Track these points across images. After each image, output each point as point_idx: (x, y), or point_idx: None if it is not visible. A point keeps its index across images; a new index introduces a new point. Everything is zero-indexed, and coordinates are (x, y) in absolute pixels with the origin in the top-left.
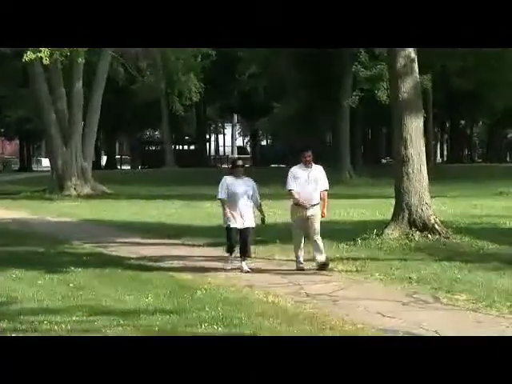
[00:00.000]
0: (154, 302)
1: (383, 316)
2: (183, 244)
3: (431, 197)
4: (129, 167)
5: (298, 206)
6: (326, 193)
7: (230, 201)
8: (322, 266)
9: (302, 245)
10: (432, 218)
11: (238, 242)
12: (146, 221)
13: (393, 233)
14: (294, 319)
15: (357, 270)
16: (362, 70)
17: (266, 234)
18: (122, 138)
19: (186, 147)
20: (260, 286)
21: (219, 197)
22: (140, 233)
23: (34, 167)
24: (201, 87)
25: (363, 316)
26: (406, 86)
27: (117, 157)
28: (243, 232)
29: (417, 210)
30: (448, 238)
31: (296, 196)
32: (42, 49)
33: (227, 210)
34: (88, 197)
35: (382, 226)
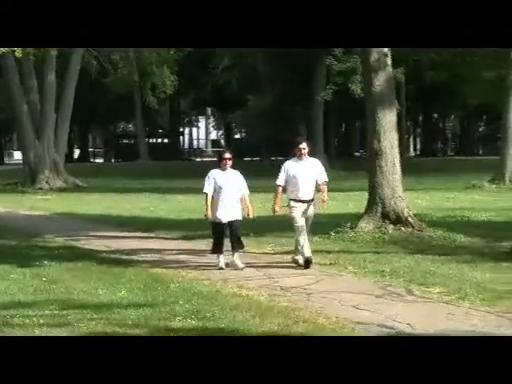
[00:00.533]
0: (128, 296)
1: (357, 309)
2: (157, 237)
3: (404, 190)
4: (102, 160)
5: (295, 201)
6: (325, 185)
7: (218, 194)
8: (307, 261)
9: (306, 237)
10: (405, 210)
11: (225, 236)
12: (119, 214)
13: (366, 226)
14: (267, 312)
15: (330, 264)
16: (336, 63)
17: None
18: (95, 131)
19: (159, 140)
20: (234, 279)
21: (205, 190)
22: (113, 226)
23: (6, 160)
24: (174, 80)
25: (337, 309)
26: (380, 80)
27: (90, 150)
28: (232, 225)
29: (390, 203)
30: (421, 230)
31: (278, 195)
32: None
33: (208, 206)
34: (61, 190)
35: (355, 219)
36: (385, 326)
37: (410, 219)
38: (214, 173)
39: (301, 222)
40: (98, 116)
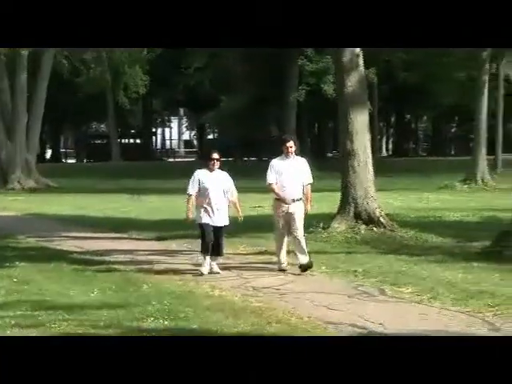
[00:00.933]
0: (100, 297)
1: (329, 309)
2: (129, 238)
3: (376, 190)
4: (74, 161)
5: (280, 201)
6: (310, 187)
7: (203, 196)
8: (305, 268)
9: (285, 244)
10: (377, 211)
11: (210, 240)
12: (91, 215)
13: (339, 226)
14: (240, 313)
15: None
16: (308, 63)
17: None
18: (67, 131)
19: (131, 141)
20: (207, 279)
21: (189, 192)
22: (85, 227)
23: None
24: (146, 80)
25: (310, 309)
26: (352, 80)
27: (61, 150)
28: (216, 230)
29: (362, 204)
30: (393, 231)
31: (276, 190)
32: None
33: (190, 208)
34: (32, 190)
35: (328, 219)
36: (356, 326)
37: (382, 219)
38: (201, 173)
39: (282, 224)
40: (70, 116)
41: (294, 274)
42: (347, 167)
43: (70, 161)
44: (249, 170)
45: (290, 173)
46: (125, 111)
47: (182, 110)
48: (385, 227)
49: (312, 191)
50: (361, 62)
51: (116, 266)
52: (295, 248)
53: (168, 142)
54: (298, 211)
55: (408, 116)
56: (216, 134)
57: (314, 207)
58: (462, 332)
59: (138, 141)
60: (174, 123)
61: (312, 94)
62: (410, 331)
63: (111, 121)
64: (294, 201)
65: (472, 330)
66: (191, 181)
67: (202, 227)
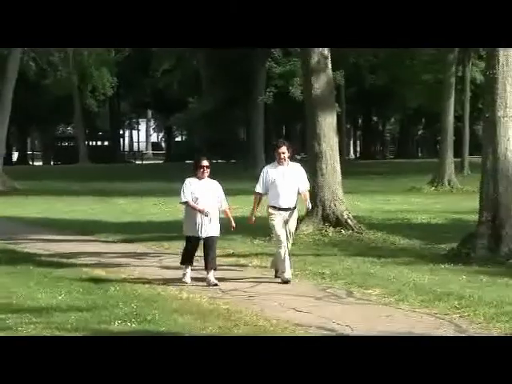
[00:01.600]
0: (67, 299)
1: (297, 311)
2: (97, 240)
3: (344, 192)
4: (41, 163)
5: (274, 208)
6: (307, 192)
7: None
8: (285, 281)
9: (284, 253)
10: (345, 213)
11: (195, 252)
12: (58, 217)
13: (307, 228)
14: (208, 315)
15: (271, 266)
16: (276, 66)
17: (181, 229)
18: (34, 133)
19: (99, 143)
20: (174, 282)
21: (183, 200)
22: (53, 229)
23: None
24: (114, 82)
25: (277, 311)
26: (320, 83)
27: (28, 152)
28: (207, 241)
29: (330, 206)
30: (361, 233)
31: (255, 204)
32: None
33: (198, 209)
34: (2, 192)
35: (296, 221)
36: (324, 328)
37: (349, 222)
38: (191, 181)
39: (281, 232)
40: (37, 118)
41: (263, 276)
42: (315, 169)
43: (36, 163)
44: (216, 172)
45: (284, 180)
46: (92, 113)
47: (149, 113)
48: (352, 229)
49: None
50: (328, 64)
51: (83, 269)
52: (276, 256)
53: (136, 144)
54: (291, 221)
55: (375, 118)
56: (184, 136)
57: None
58: (429, 334)
59: (105, 143)
60: (142, 125)
61: (280, 96)
62: (381, 335)
63: (78, 123)
64: (286, 209)
65: (439, 331)
66: (183, 188)
67: (189, 240)
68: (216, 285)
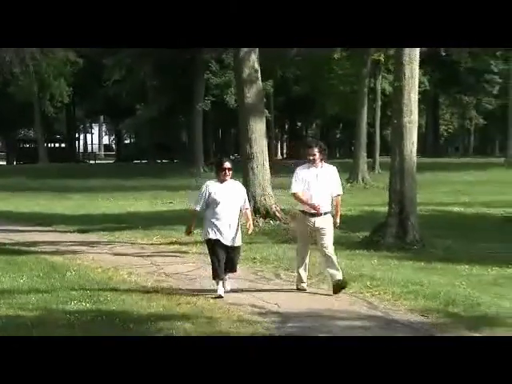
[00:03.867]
0: (28, 283)
1: (232, 292)
2: (55, 231)
3: (273, 188)
4: (4, 163)
5: (305, 213)
6: (339, 198)
7: (214, 210)
8: (339, 286)
9: (307, 262)
10: (273, 206)
11: (222, 263)
12: (19, 211)
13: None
14: (153, 296)
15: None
16: (213, 77)
17: (130, 221)
18: None
19: (57, 145)
20: (124, 267)
21: (196, 208)
22: (14, 221)
23: None
24: (69, 91)
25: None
26: (251, 92)
27: None
28: (231, 250)
29: (260, 200)
30: (287, 223)
31: (301, 198)
32: None
33: (193, 223)
34: None
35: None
36: (256, 306)
37: (277, 214)
38: (211, 185)
39: (304, 242)
40: (1, 123)
41: (202, 261)
42: (247, 168)
43: (0, 163)
44: (161, 171)
45: (317, 183)
46: (50, 118)
47: (101, 118)
48: (280, 220)
49: None
50: (259, 76)
51: (42, 256)
52: (327, 266)
53: (90, 146)
54: (326, 226)
55: (299, 124)
56: (132, 139)
57: None
58: (345, 310)
59: (62, 145)
60: (95, 129)
61: (216, 104)
62: (304, 311)
63: (38, 127)
64: (320, 214)
65: (354, 308)
66: (200, 194)
67: (212, 245)
68: (228, 291)
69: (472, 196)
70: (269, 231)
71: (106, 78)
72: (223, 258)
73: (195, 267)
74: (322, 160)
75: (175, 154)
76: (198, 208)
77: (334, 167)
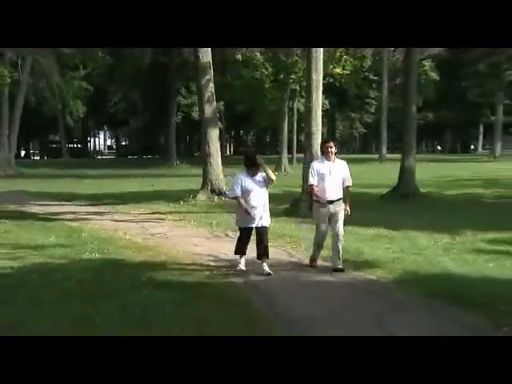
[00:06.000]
0: (55, 240)
1: (196, 246)
2: (73, 204)
3: (223, 175)
4: (38, 158)
5: (319, 203)
6: (348, 190)
7: (246, 199)
8: (337, 270)
9: (321, 245)
10: (223, 187)
11: (247, 243)
12: (49, 190)
13: (202, 197)
14: (142, 249)
15: (180, 219)
16: (183, 99)
17: (124, 198)
18: (34, 139)
19: (74, 145)
20: (121, 229)
21: (236, 194)
22: (45, 198)
23: None
24: (84, 109)
25: (184, 246)
26: (209, 110)
27: (30, 151)
28: (259, 230)
29: (215, 183)
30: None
31: (316, 192)
32: None
33: (244, 208)
34: (12, 177)
35: (195, 193)
36: (212, 255)
37: (226, 192)
38: (243, 177)
39: (324, 226)
40: (36, 130)
41: (176, 225)
42: (206, 162)
43: (35, 158)
44: (146, 164)
45: (330, 174)
46: (70, 127)
47: (105, 127)
48: (228, 198)
49: (185, 176)
50: (214, 98)
51: (65, 222)
52: (333, 246)
53: (97, 146)
54: (339, 211)
55: (242, 131)
56: (127, 142)
57: (186, 186)
58: (273, 257)
59: (78, 145)
60: (101, 134)
61: (185, 118)
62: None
63: (61, 133)
64: (332, 202)
65: (279, 256)
66: (235, 183)
67: (242, 231)
68: (269, 274)
69: (354, 180)
70: (221, 205)
71: (109, 99)
72: (248, 241)
73: (170, 229)
74: (335, 154)
75: (156, 153)
76: (236, 194)
77: (345, 162)
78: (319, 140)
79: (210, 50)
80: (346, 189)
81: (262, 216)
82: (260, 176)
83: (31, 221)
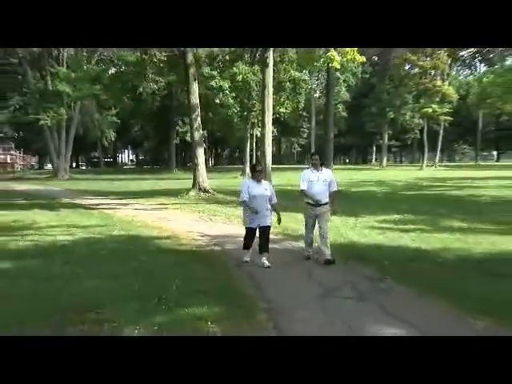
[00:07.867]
0: (96, 222)
1: (188, 226)
2: (107, 198)
3: (208, 178)
4: (84, 168)
5: (309, 204)
6: (334, 194)
7: (251, 202)
8: (329, 262)
9: (310, 240)
10: (208, 187)
11: (252, 240)
12: (91, 189)
13: (193, 193)
14: (150, 228)
15: (177, 208)
16: (180, 128)
17: (140, 193)
18: (82, 154)
19: (109, 159)
20: (133, 215)
21: (244, 199)
22: (88, 194)
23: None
24: (114, 135)
25: (179, 226)
26: (197, 135)
27: (80, 163)
28: (263, 230)
29: (202, 184)
30: (215, 195)
31: (307, 193)
32: None
33: (250, 210)
34: (67, 180)
35: (188, 190)
36: (200, 232)
37: (210, 190)
38: (249, 183)
39: (310, 229)
40: (83, 148)
41: (174, 212)
42: (195, 168)
43: (82, 167)
44: (155, 171)
45: (317, 181)
46: (106, 147)
47: (129, 146)
48: (212, 194)
49: (180, 179)
50: (201, 128)
51: (101, 210)
52: (321, 243)
53: (124, 159)
54: (325, 213)
55: (219, 149)
56: (143, 156)
57: (181, 186)
58: (237, 234)
59: (111, 159)
60: (126, 151)
61: (181, 141)
62: (222, 234)
63: (99, 151)
64: (321, 205)
65: (233, 231)
66: (243, 189)
67: (248, 231)
68: (269, 267)
69: (296, 182)
70: (206, 199)
71: (131, 129)
72: (253, 238)
73: (170, 214)
74: (321, 164)
75: (162, 164)
76: (244, 198)
77: (330, 170)
78: (270, 156)
79: (197, 94)
80: (332, 193)
81: (264, 217)
82: (266, 185)
83: (81, 209)
